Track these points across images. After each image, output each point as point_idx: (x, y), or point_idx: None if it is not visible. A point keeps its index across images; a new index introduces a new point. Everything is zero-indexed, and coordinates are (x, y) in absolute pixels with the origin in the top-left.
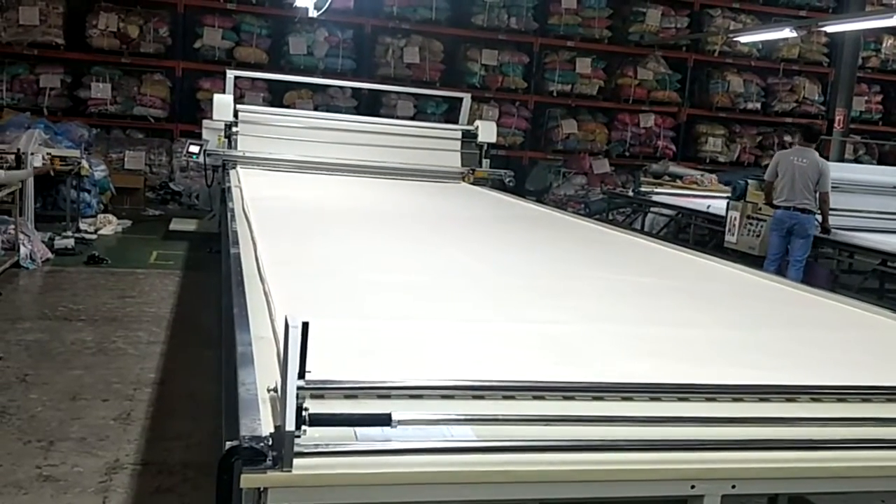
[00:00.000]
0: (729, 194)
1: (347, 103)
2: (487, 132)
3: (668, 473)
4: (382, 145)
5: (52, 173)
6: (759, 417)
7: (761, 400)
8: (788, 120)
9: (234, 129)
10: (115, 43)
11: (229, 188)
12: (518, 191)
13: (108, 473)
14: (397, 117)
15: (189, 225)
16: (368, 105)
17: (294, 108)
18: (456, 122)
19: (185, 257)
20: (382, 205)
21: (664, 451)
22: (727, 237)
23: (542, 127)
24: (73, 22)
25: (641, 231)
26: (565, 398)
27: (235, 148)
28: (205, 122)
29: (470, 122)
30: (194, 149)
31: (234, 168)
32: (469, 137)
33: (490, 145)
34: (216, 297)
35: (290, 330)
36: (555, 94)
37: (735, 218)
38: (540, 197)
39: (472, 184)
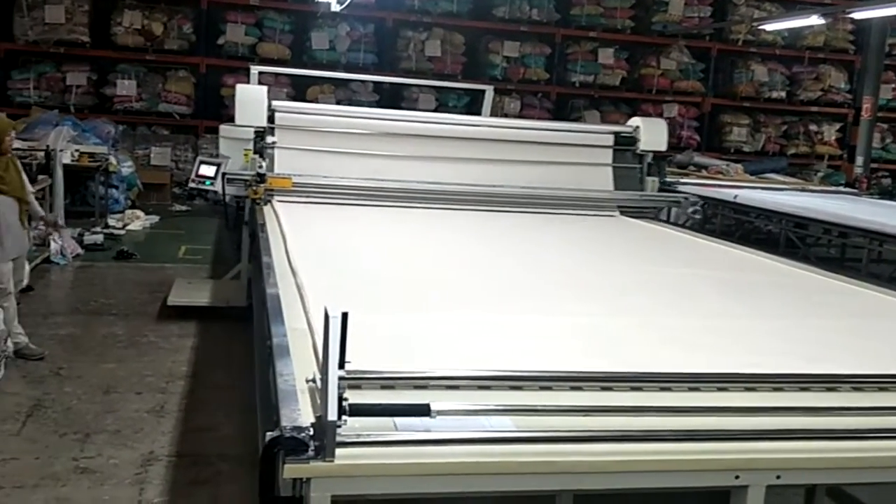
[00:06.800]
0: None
1: (369, 97)
2: (655, 136)
3: (712, 464)
4: (492, 159)
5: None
6: (800, 407)
7: (802, 389)
8: (814, 109)
9: (269, 140)
10: (139, 40)
11: (263, 230)
12: None
13: (143, 465)
14: (419, 110)
15: (198, 294)
16: (390, 99)
17: (317, 102)
18: (478, 114)
19: (214, 251)
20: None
21: (706, 441)
22: None
23: (565, 118)
24: (98, 20)
25: (668, 222)
26: (603, 389)
27: (272, 169)
28: (222, 129)
29: (493, 114)
30: (207, 170)
31: (267, 203)
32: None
33: None
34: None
35: (331, 321)
36: (577, 85)
37: None
38: None
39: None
